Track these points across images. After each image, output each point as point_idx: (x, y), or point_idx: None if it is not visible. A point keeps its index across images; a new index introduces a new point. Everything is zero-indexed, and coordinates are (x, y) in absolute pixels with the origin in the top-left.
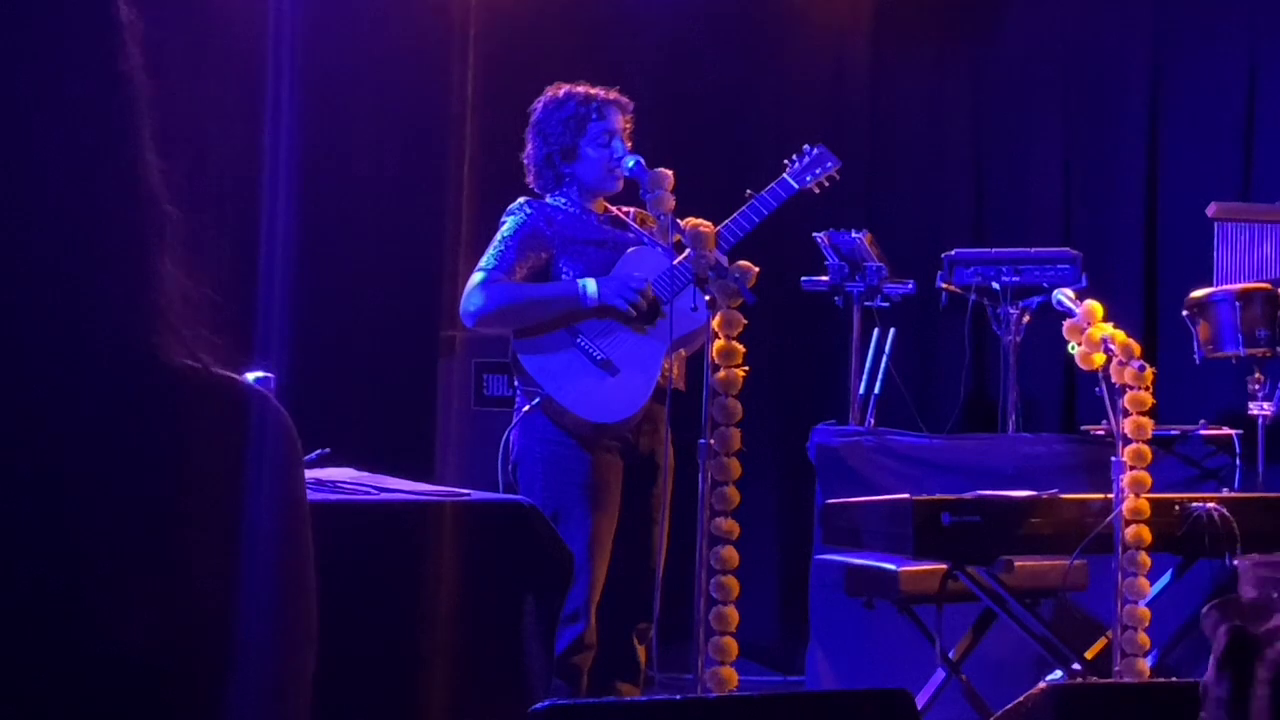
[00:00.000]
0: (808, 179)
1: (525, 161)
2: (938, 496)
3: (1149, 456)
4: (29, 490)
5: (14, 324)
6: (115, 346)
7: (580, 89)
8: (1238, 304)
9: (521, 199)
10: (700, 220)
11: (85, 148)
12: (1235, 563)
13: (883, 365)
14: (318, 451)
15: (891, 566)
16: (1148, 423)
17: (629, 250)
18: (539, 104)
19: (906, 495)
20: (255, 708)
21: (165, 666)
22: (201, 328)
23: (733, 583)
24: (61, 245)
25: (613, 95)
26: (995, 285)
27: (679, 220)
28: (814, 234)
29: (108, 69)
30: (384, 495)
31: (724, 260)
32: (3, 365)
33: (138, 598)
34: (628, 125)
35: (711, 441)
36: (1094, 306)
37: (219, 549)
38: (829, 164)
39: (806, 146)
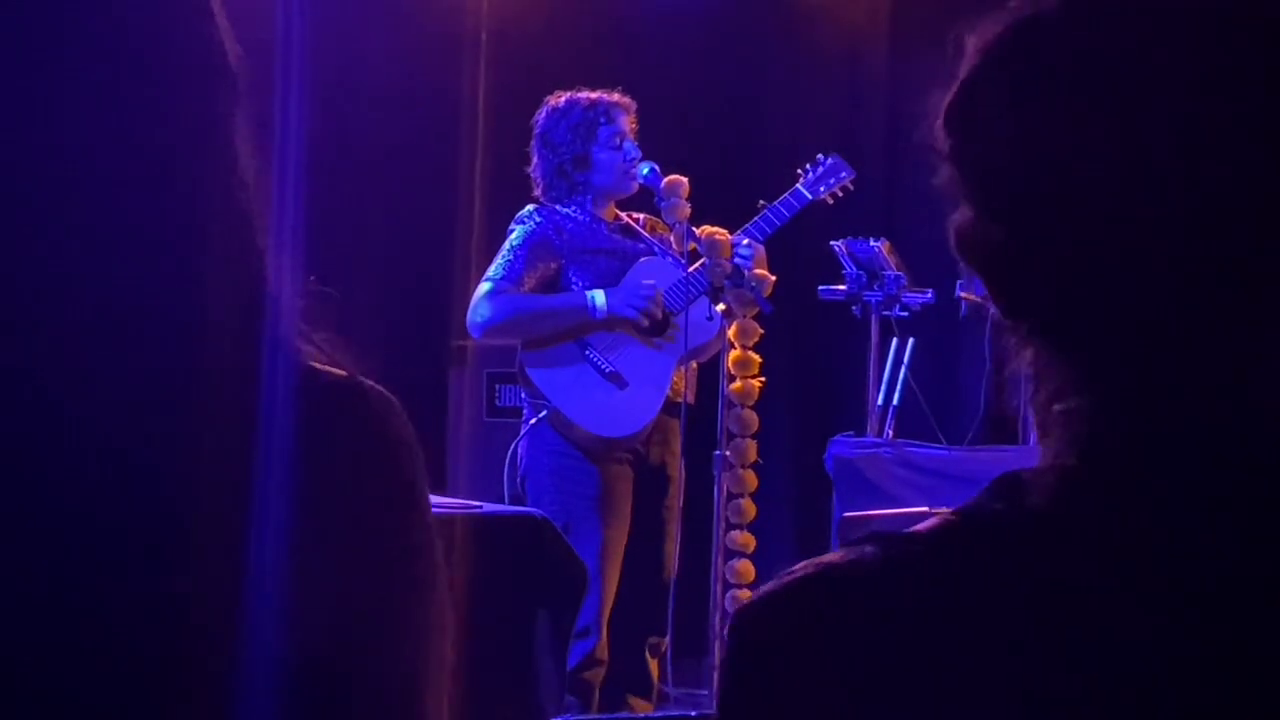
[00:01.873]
0: (821, 189)
1: (532, 175)
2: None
3: None
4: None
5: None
6: (243, 352)
7: (582, 95)
8: None
9: (530, 207)
10: (716, 228)
11: (174, 144)
12: None
13: (901, 376)
14: None
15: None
16: None
17: (640, 260)
18: (541, 115)
19: (925, 508)
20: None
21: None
22: (321, 327)
23: (748, 596)
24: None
25: (616, 97)
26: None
27: (693, 228)
28: (831, 242)
29: (199, 48)
30: None
31: (752, 255)
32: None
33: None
34: (634, 126)
35: (727, 453)
36: None
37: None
38: (843, 174)
39: (820, 156)
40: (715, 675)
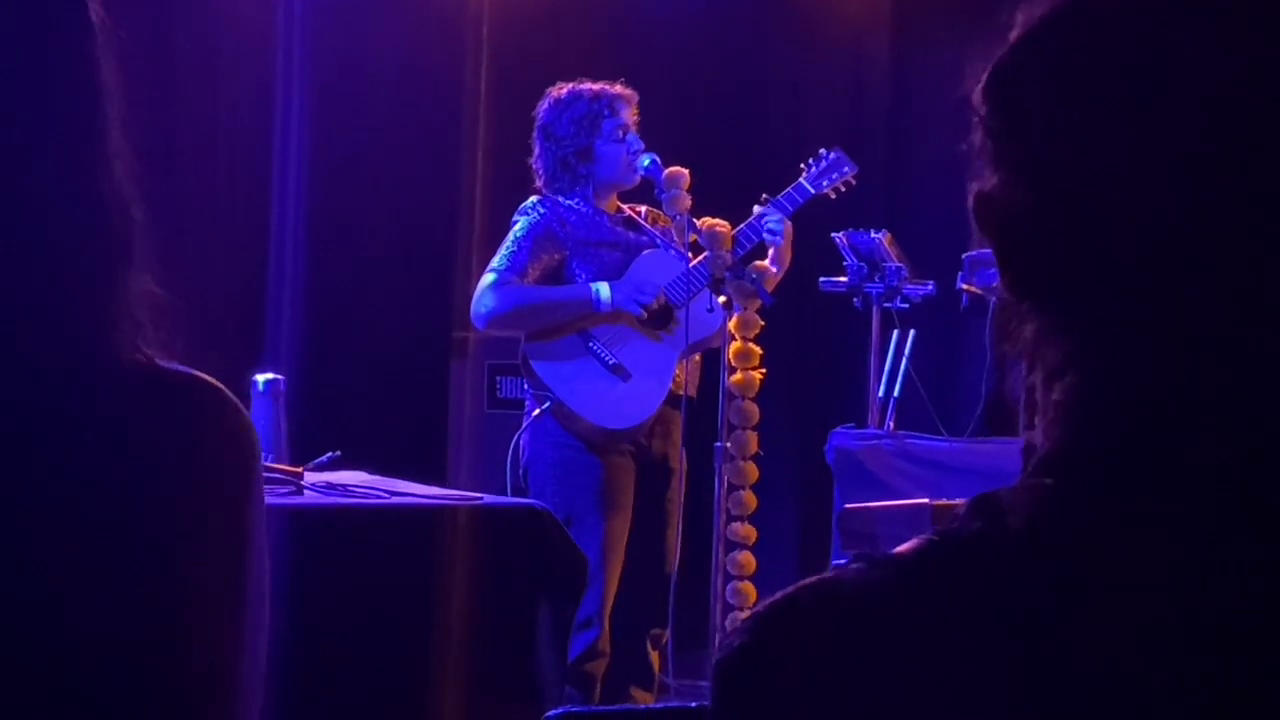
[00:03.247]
0: (824, 184)
1: (534, 166)
2: (958, 501)
3: None
4: None
5: None
6: (59, 346)
7: (586, 86)
8: None
9: (534, 198)
10: (717, 220)
11: (43, 149)
12: None
13: (902, 367)
14: (329, 455)
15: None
16: None
17: (643, 254)
18: (543, 106)
19: (926, 500)
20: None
21: (109, 671)
22: (170, 332)
23: (749, 588)
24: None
25: (619, 88)
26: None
27: (694, 220)
28: (832, 234)
29: (76, 73)
30: (396, 499)
31: (782, 230)
32: None
33: (79, 597)
34: (636, 117)
35: (728, 445)
36: None
37: (163, 553)
38: (846, 169)
39: (823, 150)
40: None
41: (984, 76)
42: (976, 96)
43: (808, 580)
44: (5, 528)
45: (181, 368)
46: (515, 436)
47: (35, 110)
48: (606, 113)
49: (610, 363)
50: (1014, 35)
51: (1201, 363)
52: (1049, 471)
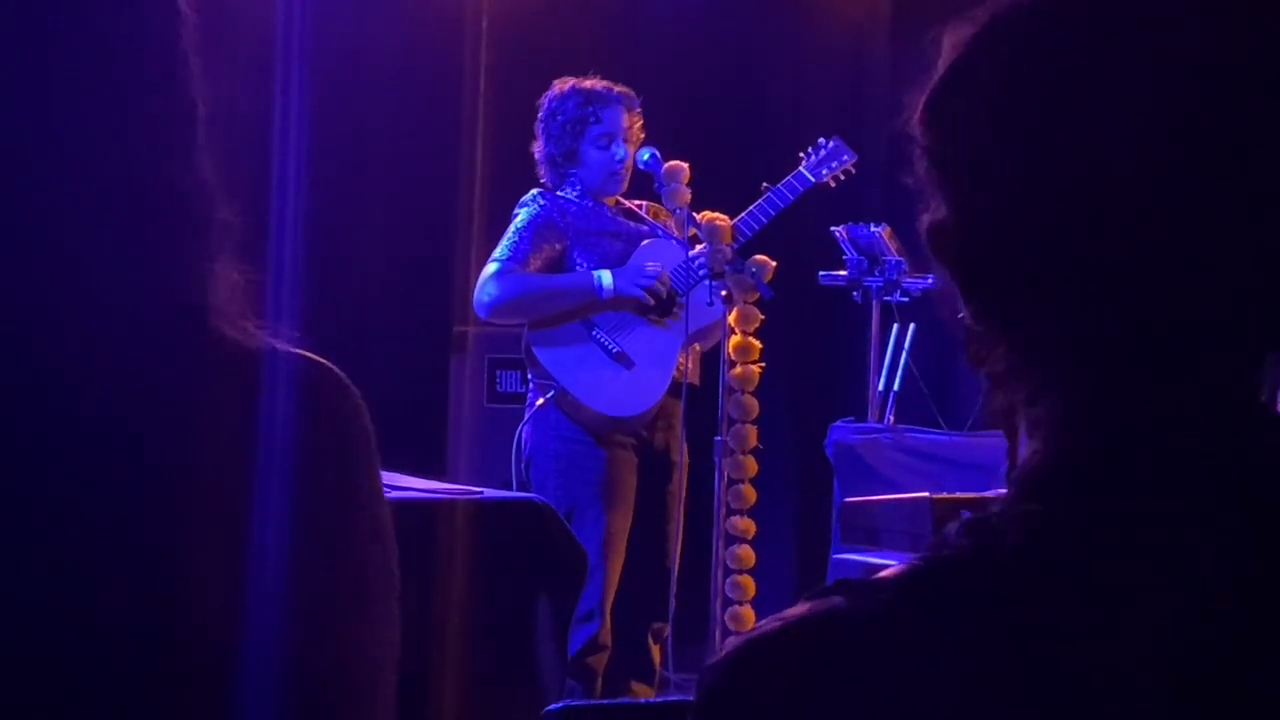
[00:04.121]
0: (824, 172)
1: (536, 156)
2: (958, 495)
3: None
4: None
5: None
6: (164, 326)
7: (584, 86)
8: None
9: (534, 190)
10: (716, 214)
11: (135, 150)
12: None
13: (902, 361)
14: None
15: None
16: None
17: (644, 242)
18: (544, 100)
19: (926, 493)
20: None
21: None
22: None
23: (749, 582)
24: (99, 242)
25: (616, 91)
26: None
27: (694, 214)
28: (832, 228)
29: (166, 72)
30: (395, 493)
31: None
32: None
33: (209, 584)
34: (635, 121)
35: (727, 439)
36: None
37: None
38: (845, 157)
39: (822, 139)
40: None
41: (920, 106)
42: (916, 126)
43: (794, 610)
44: (135, 517)
45: (297, 350)
46: (518, 429)
47: (132, 99)
48: (593, 120)
49: (614, 351)
50: (943, 63)
51: (1173, 375)
52: (1036, 493)
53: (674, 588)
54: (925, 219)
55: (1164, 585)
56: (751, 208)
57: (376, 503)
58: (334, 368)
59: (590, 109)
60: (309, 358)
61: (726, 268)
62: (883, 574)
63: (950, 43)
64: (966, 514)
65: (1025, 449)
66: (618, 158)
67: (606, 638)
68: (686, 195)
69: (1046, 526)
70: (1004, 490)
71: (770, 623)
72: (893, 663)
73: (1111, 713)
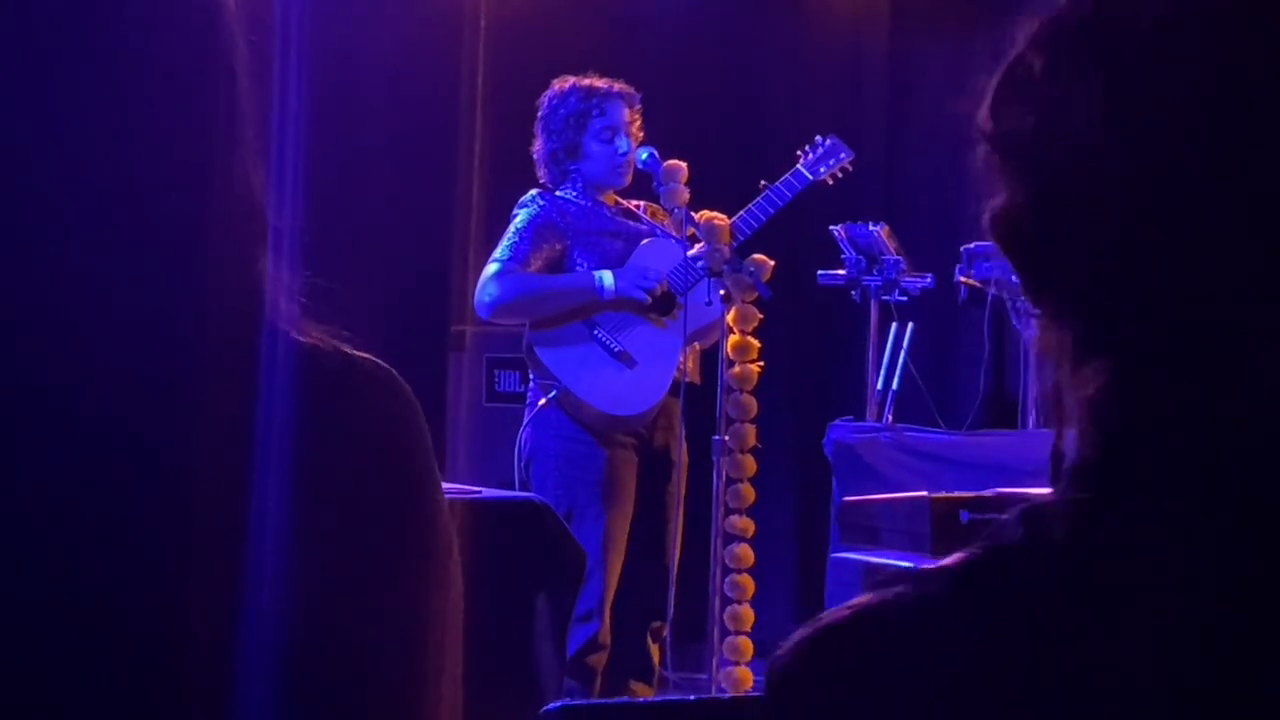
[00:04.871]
0: (821, 170)
1: (535, 156)
2: (956, 494)
3: None
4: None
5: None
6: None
7: (585, 82)
8: None
9: (533, 191)
10: (715, 213)
11: (199, 154)
12: None
13: (900, 360)
14: None
15: (909, 565)
16: None
17: (644, 241)
18: (545, 98)
19: (924, 493)
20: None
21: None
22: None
23: (748, 581)
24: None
25: (617, 88)
26: (1015, 279)
27: (693, 213)
28: (830, 227)
29: (219, 71)
30: None
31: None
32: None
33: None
34: (635, 118)
35: (726, 438)
36: None
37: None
38: (842, 155)
39: (819, 138)
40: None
41: (988, 93)
42: (982, 114)
43: (858, 599)
44: (197, 518)
45: (356, 352)
46: (520, 430)
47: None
48: (596, 112)
49: (615, 350)
50: (1013, 52)
51: (1237, 367)
52: (1085, 483)
53: (673, 587)
54: (986, 206)
55: (1213, 582)
56: (749, 206)
57: (434, 497)
58: (388, 368)
59: (593, 102)
60: (374, 361)
61: (725, 267)
62: (944, 562)
63: (1021, 34)
64: (965, 514)
65: (1071, 438)
66: (620, 151)
67: (605, 637)
68: (685, 194)
69: (1091, 518)
70: (1003, 489)
71: (839, 611)
72: (953, 651)
73: (1164, 698)
